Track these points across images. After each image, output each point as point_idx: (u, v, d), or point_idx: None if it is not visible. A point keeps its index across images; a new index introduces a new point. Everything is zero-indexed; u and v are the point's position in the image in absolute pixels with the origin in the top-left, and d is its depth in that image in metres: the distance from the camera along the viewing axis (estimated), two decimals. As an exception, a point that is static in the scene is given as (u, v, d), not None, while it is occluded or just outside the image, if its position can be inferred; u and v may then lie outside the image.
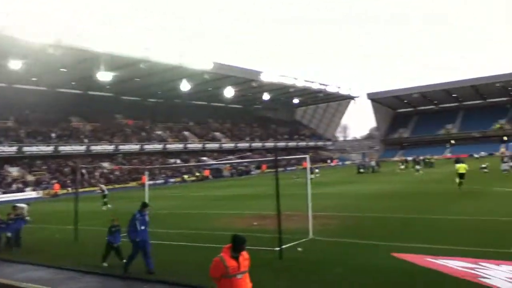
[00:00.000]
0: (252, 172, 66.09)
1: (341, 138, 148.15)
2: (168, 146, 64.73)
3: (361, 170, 47.95)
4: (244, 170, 65.51)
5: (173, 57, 51.77)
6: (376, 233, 12.45)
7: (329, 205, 19.59)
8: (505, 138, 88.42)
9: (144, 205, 10.18)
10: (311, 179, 35.84)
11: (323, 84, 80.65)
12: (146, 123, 68.38)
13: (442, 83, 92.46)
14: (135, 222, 9.70)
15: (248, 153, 64.25)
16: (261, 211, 18.09)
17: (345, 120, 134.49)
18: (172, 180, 55.62)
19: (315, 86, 78.37)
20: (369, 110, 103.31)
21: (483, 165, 35.95)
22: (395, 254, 9.68)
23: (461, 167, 24.62)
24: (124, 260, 9.99)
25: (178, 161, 62.03)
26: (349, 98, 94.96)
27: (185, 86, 59.14)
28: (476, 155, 66.15)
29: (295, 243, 11.34)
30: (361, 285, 7.96)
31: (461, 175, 24.10)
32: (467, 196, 20.24)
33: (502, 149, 77.70)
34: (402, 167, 48.07)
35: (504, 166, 33.91)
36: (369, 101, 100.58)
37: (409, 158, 58.35)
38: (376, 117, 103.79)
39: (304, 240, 11.69)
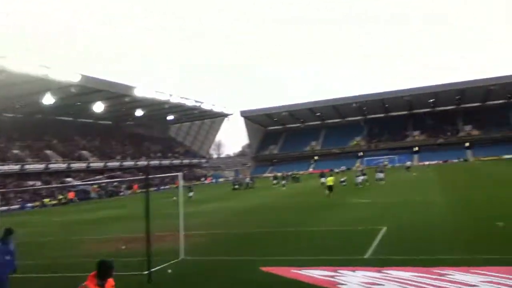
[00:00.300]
0: (122, 193, 62.94)
1: (215, 156, 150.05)
2: (26, 166, 58.40)
3: (236, 187, 49.02)
4: (114, 190, 62.18)
5: (35, 67, 47.08)
6: (246, 248, 12.78)
7: (202, 223, 19.59)
8: (360, 153, 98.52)
9: (8, 232, 8.84)
10: (190, 197, 36.42)
11: (198, 101, 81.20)
12: (1, 141, 61.15)
13: (307, 102, 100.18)
14: None
15: (118, 173, 61.32)
16: (131, 234, 17.32)
17: (219, 137, 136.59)
18: (29, 204, 50.16)
19: (190, 103, 78.44)
20: (242, 128, 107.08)
21: (342, 179, 39.49)
22: (264, 268, 10.00)
23: (330, 180, 28.51)
24: None
25: (38, 183, 56.35)
26: (223, 115, 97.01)
27: (48, 100, 54.45)
28: (336, 170, 72.18)
29: (165, 264, 11.05)
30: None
31: (330, 187, 27.67)
32: (329, 208, 21.93)
33: (357, 164, 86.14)
34: (275, 182, 50.34)
35: (358, 179, 37.61)
36: (242, 119, 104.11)
37: (279, 174, 61.46)
38: (249, 135, 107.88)
39: (175, 261, 11.46)
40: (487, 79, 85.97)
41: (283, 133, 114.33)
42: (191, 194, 37.12)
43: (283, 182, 44.77)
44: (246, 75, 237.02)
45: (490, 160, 78.71)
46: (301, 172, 71.70)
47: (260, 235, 15.35)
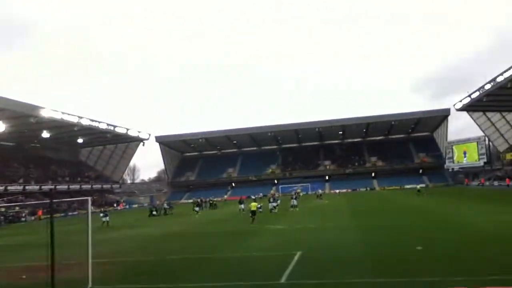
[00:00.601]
0: (24, 219, 57.72)
1: (129, 181, 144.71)
2: None
3: (154, 213, 47.33)
4: (15, 216, 56.96)
5: None
6: (160, 276, 12.22)
7: (115, 250, 18.58)
8: (275, 181, 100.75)
9: None
10: (104, 222, 34.76)
11: (111, 125, 77.93)
12: None
13: (224, 130, 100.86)
14: None
15: (20, 197, 56.36)
16: (34, 262, 15.84)
17: (134, 161, 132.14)
18: None
19: (102, 126, 75.09)
20: (158, 153, 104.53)
21: (259, 205, 39.80)
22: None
23: (253, 205, 29.46)
24: None
25: None
26: (138, 140, 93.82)
27: None
28: (253, 196, 72.79)
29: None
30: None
31: (253, 212, 28.91)
32: (245, 234, 21.87)
33: (272, 191, 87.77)
34: (197, 209, 48.93)
35: (270, 205, 38.43)
36: (157, 144, 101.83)
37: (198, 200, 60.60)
38: (164, 160, 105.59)
39: (82, 290, 10.67)
40: (389, 115, 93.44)
41: (200, 159, 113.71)
42: (105, 219, 35.57)
43: (197, 209, 43.85)
44: (163, 99, 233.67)
45: (393, 189, 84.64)
46: (218, 199, 71.17)
47: (175, 262, 14.79)
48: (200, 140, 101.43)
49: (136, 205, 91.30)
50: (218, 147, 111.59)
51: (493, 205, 31.31)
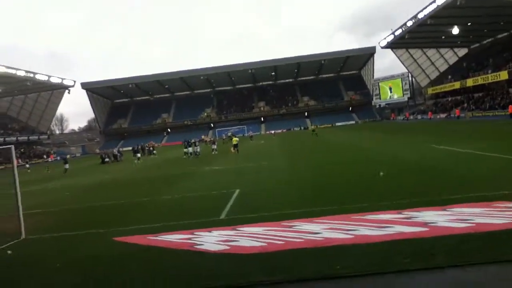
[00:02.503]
0: None
1: (58, 131, 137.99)
2: None
3: (107, 160, 45.88)
4: None
5: None
6: (98, 221, 12.11)
7: (49, 200, 18.09)
8: (211, 124, 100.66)
9: None
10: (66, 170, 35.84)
11: (30, 72, 72.58)
12: None
13: (154, 74, 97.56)
14: None
15: None
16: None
17: (61, 111, 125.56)
18: None
19: (20, 73, 69.74)
20: (86, 100, 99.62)
21: (191, 150, 40.13)
22: (117, 238, 9.65)
23: (235, 140, 37.18)
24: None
25: None
26: (62, 87, 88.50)
27: None
28: (193, 140, 72.27)
29: (4, 246, 9.95)
30: (83, 273, 7.62)
31: (235, 145, 35.64)
32: (185, 177, 21.99)
33: (203, 135, 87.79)
34: (138, 155, 47.50)
35: (189, 150, 39.11)
36: (84, 91, 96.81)
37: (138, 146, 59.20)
38: (94, 108, 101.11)
39: (15, 241, 10.36)
40: (318, 54, 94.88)
41: (131, 106, 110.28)
42: (66, 166, 37.05)
43: (138, 155, 42.79)
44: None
45: (326, 127, 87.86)
46: (156, 144, 69.99)
47: (113, 208, 14.64)
48: (130, 85, 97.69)
49: (68, 156, 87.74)
50: (150, 93, 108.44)
51: (414, 136, 33.60)
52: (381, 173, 14.73)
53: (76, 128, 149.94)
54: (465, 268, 6.07)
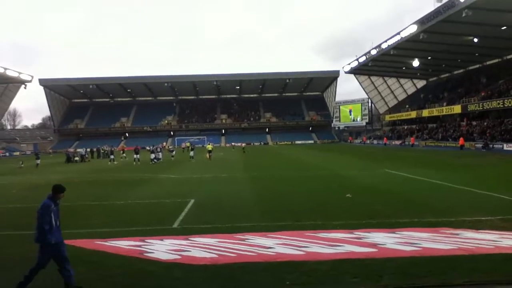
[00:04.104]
0: None
1: (9, 127, 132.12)
2: None
3: (77, 159, 44.33)
4: None
5: None
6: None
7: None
8: (171, 132, 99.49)
9: (59, 189, 6.74)
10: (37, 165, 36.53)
11: (-15, 63, 69.37)
12: None
13: (117, 77, 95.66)
14: (50, 215, 6.41)
15: None
16: None
17: (14, 106, 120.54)
18: None
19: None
20: (42, 97, 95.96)
21: (151, 157, 39.55)
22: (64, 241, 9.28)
23: (209, 147, 42.61)
24: None
25: None
26: (18, 82, 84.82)
27: None
28: (147, 147, 71.04)
29: None
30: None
31: (210, 152, 40.75)
32: (138, 183, 21.53)
33: (165, 143, 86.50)
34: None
35: (152, 155, 38.51)
36: (42, 88, 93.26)
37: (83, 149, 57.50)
38: (50, 106, 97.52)
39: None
40: (284, 73, 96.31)
41: (90, 107, 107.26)
42: (38, 161, 37.70)
43: (76, 158, 41.76)
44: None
45: (285, 144, 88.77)
46: (109, 148, 68.02)
47: (61, 209, 14.04)
48: (91, 86, 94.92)
49: (18, 153, 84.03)
50: (110, 95, 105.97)
51: (369, 160, 34.51)
52: (348, 195, 14.93)
53: (29, 125, 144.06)
54: (410, 290, 6.23)
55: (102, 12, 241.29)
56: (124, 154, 44.77)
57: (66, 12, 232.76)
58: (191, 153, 41.63)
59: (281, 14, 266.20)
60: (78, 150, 53.50)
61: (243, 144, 68.78)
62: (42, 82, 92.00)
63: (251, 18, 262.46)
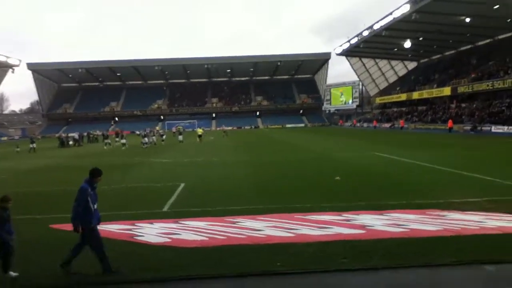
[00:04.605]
0: None
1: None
2: None
3: (71, 143, 44.25)
4: None
5: None
6: (34, 207, 11.58)
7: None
8: (162, 116, 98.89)
9: (97, 173, 6.92)
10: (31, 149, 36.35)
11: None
12: None
13: (106, 61, 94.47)
14: (87, 199, 6.52)
15: None
16: None
17: (2, 90, 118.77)
18: None
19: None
20: (30, 82, 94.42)
21: (143, 141, 39.39)
22: (54, 226, 9.29)
23: (199, 130, 44.63)
24: (13, 273, 6.32)
25: None
26: (6, 66, 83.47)
27: None
28: (137, 132, 70.83)
29: None
30: (16, 257, 7.28)
31: (200, 136, 42.48)
32: (129, 167, 21.48)
33: (157, 127, 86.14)
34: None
35: (143, 140, 38.56)
36: (30, 72, 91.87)
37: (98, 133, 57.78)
38: (38, 90, 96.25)
39: None
40: (275, 55, 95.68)
41: (79, 91, 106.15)
42: (33, 145, 37.59)
43: (71, 142, 41.65)
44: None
45: (276, 128, 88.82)
46: (99, 132, 67.59)
47: (51, 194, 14.04)
48: (80, 70, 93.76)
49: (5, 138, 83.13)
50: (100, 79, 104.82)
51: (359, 143, 34.72)
52: (337, 178, 15.04)
53: (17, 109, 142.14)
54: (398, 270, 6.35)
55: (102, 12, 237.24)
56: (118, 138, 44.61)
57: (66, 12, 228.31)
58: (180, 137, 41.64)
59: (281, 14, 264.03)
60: (71, 134, 53.05)
61: (224, 128, 68.71)
62: (30, 66, 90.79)
63: (251, 18, 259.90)
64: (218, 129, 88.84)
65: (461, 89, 55.89)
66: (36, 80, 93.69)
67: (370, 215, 9.54)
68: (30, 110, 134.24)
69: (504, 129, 42.94)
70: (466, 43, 68.03)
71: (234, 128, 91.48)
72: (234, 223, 9.25)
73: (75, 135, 49.40)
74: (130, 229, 8.91)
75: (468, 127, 47.87)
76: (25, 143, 43.93)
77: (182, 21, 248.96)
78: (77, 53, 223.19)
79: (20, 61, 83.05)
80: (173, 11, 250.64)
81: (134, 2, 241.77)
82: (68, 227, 9.03)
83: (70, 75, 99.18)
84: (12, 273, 6.34)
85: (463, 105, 57.74)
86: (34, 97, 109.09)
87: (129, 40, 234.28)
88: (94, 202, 6.70)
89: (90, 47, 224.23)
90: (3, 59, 77.47)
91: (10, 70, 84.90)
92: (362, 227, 8.60)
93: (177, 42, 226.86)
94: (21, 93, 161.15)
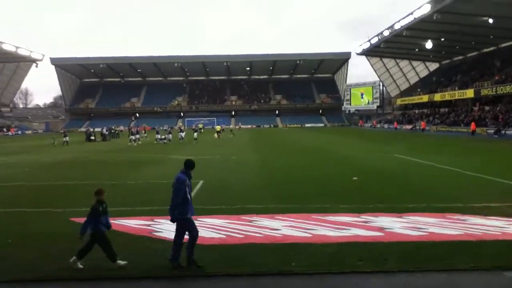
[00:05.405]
0: None
1: (21, 105, 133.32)
2: None
3: (92, 138, 45.28)
4: None
5: None
6: (56, 200, 11.84)
7: (5, 175, 17.58)
8: (181, 113, 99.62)
9: (192, 164, 7.17)
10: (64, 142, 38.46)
11: (-3, 41, 69.66)
12: None
13: (127, 57, 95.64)
14: (185, 189, 6.68)
15: None
16: None
17: (26, 84, 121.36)
18: None
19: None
20: (54, 77, 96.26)
21: (162, 137, 39.94)
22: (74, 219, 9.47)
23: (218, 128, 49.12)
24: (121, 262, 6.58)
25: None
26: (30, 60, 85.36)
27: None
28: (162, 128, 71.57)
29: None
30: (37, 248, 7.46)
31: (218, 132, 46.55)
32: (149, 163, 21.76)
33: (179, 123, 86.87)
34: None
35: (179, 135, 38.97)
36: (53, 67, 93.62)
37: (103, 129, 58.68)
38: (61, 85, 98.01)
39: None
40: (295, 54, 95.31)
41: (100, 86, 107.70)
42: (66, 139, 40.17)
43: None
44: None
45: (295, 127, 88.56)
46: (121, 128, 68.65)
47: (74, 188, 14.32)
48: (102, 65, 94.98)
49: (30, 131, 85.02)
50: (121, 75, 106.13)
51: (379, 145, 34.38)
52: (355, 178, 14.96)
53: (41, 104, 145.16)
54: (415, 274, 6.30)
55: (102, 12, 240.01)
56: (146, 134, 45.52)
57: (66, 12, 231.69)
58: (195, 135, 41.29)
59: (281, 14, 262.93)
60: (97, 129, 54.67)
61: (231, 126, 68.40)
62: (54, 61, 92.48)
63: (251, 18, 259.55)
64: (236, 127, 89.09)
65: (484, 92, 54.77)
66: (59, 74, 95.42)
67: (389, 217, 9.47)
68: (54, 105, 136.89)
69: (529, 133, 41.95)
70: (489, 45, 66.60)
71: (254, 126, 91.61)
72: (251, 221, 9.29)
73: (104, 129, 50.20)
74: (149, 225, 9.04)
75: (491, 130, 46.91)
76: (59, 137, 45.09)
77: (182, 21, 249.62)
78: (76, 53, 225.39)
79: (43, 55, 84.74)
80: (173, 11, 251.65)
81: (134, 2, 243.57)
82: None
83: (92, 70, 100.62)
84: (121, 262, 6.57)
85: (487, 108, 56.59)
86: (57, 91, 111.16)
87: (129, 40, 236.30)
88: (190, 192, 6.82)
89: (89, 47, 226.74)
90: (26, 53, 79.02)
91: (34, 64, 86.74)
92: (381, 229, 8.54)
93: (177, 42, 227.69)
94: (45, 87, 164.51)
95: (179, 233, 6.70)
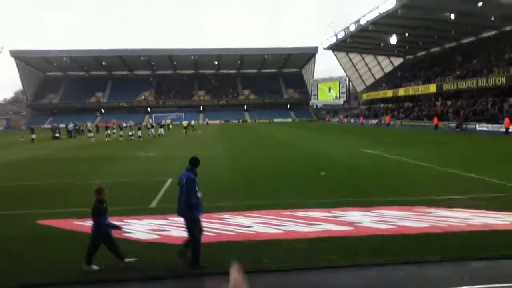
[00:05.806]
0: None
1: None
2: None
3: (57, 135, 43.60)
4: None
5: None
6: (19, 202, 11.43)
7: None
8: (149, 109, 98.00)
9: (198, 162, 7.22)
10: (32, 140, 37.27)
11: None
12: None
13: (92, 49, 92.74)
14: (196, 188, 6.66)
15: None
16: None
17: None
18: None
19: None
20: (15, 70, 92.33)
21: (130, 133, 39.33)
22: (41, 221, 9.16)
23: (185, 123, 50.77)
24: (129, 259, 6.60)
25: None
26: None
27: None
28: (124, 124, 70.06)
29: None
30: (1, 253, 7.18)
31: (185, 127, 47.60)
32: (114, 161, 21.30)
33: (148, 119, 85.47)
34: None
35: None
36: (13, 59, 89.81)
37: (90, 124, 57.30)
38: (22, 79, 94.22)
39: None
40: (262, 48, 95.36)
41: (64, 81, 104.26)
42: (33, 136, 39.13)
43: (57, 135, 41.85)
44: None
45: (264, 122, 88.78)
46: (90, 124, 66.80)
47: (37, 188, 13.86)
48: (64, 58, 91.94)
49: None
50: (85, 68, 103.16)
51: (347, 140, 34.94)
52: (322, 173, 15.12)
53: (0, 99, 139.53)
54: (386, 267, 6.43)
55: (102, 12, 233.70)
56: (115, 130, 44.45)
57: (66, 12, 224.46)
58: (160, 130, 41.38)
59: (281, 14, 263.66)
60: (61, 125, 53.06)
61: (193, 122, 62.49)
62: (14, 53, 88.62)
63: (251, 18, 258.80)
64: (204, 122, 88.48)
65: (446, 87, 56.48)
66: (19, 67, 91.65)
67: (358, 212, 9.63)
68: (14, 100, 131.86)
69: (489, 127, 43.53)
70: (451, 40, 68.71)
71: (222, 121, 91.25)
72: (222, 219, 9.25)
73: (70, 125, 48.92)
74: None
75: (453, 125, 48.46)
76: (27, 133, 43.66)
77: (182, 21, 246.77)
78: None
79: (2, 47, 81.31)
80: (173, 11, 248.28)
81: (134, 2, 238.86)
82: (56, 223, 8.97)
83: (55, 64, 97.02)
84: (127, 259, 6.54)
85: (449, 102, 58.40)
86: (19, 86, 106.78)
87: (129, 40, 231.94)
88: (199, 190, 6.78)
89: (89, 47, 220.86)
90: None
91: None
92: (351, 223, 8.68)
93: (177, 42, 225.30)
94: (5, 81, 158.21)
95: (197, 230, 6.69)
